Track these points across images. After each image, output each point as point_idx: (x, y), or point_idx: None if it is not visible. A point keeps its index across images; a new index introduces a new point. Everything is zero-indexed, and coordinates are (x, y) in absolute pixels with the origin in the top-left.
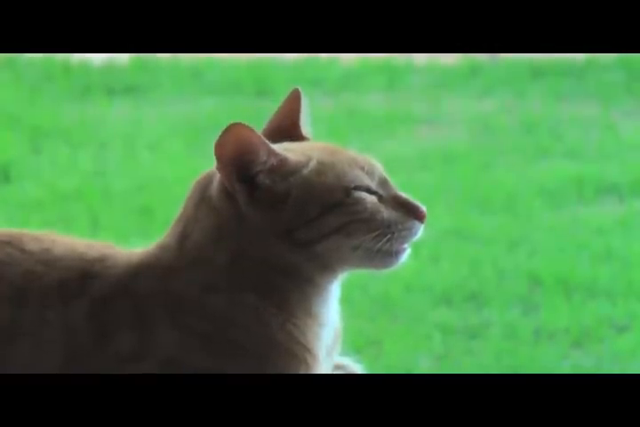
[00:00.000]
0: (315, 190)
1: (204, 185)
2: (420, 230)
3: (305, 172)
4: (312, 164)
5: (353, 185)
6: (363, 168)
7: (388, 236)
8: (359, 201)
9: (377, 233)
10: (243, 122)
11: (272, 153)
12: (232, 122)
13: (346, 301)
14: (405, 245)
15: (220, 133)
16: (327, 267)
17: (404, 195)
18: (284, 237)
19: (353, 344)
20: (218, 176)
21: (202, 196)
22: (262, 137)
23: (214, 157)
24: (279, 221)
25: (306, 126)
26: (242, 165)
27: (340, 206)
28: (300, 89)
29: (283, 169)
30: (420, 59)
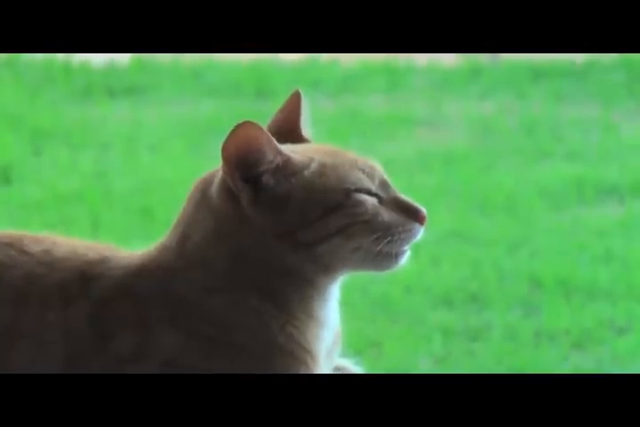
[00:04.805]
0: (316, 192)
1: (205, 186)
2: (421, 233)
3: (306, 173)
4: (313, 165)
5: (354, 187)
6: (363, 170)
7: (389, 238)
8: (359, 203)
9: (377, 235)
10: (252, 120)
11: (278, 152)
12: (241, 120)
13: (346, 302)
14: (405, 248)
15: (229, 132)
16: (328, 269)
17: (404, 197)
18: (284, 239)
19: (353, 346)
20: (219, 176)
21: (202, 196)
22: (270, 136)
23: (220, 156)
24: (280, 222)
25: (306, 128)
26: (248, 164)
27: (340, 208)
28: (300, 90)
29: (286, 169)
30: (420, 60)
